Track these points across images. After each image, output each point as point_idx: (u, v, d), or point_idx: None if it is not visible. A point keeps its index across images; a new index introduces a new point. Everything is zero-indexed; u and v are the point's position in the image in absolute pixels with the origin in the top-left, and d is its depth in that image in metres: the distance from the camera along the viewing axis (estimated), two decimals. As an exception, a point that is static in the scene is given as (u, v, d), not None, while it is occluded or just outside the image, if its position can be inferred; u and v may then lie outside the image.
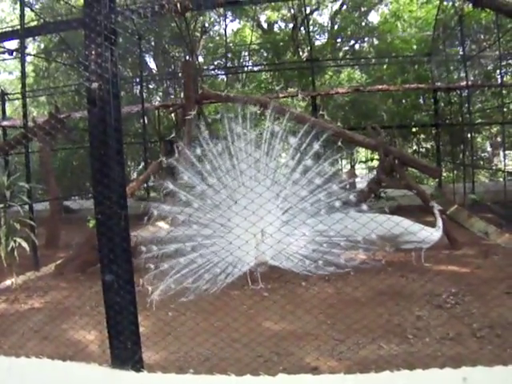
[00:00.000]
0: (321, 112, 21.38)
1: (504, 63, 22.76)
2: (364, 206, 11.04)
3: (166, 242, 10.35)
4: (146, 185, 21.02)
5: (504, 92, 22.73)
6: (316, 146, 11.05)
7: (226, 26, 30.46)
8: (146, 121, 24.62)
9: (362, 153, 27.33)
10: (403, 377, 4.16)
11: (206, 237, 10.47)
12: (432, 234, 11.24)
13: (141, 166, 25.77)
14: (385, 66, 28.30)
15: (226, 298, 9.15)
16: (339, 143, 11.19)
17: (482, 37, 24.26)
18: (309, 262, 10.44)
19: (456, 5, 20.90)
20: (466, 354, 6.54)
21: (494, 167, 27.30)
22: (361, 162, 25.37)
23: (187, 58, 24.82)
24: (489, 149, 29.41)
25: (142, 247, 10.09)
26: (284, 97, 24.21)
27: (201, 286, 9.58)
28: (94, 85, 4.59)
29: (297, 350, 6.93)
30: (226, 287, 9.90)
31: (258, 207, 8.64)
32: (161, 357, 6.56)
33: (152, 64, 29.72)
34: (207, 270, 9.98)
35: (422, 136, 28.36)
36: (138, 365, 4.78)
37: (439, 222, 11.51)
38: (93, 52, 4.64)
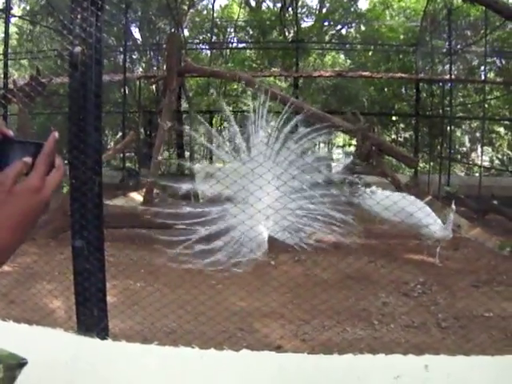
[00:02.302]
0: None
1: (489, 60, 22.91)
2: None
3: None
4: (122, 155, 20.98)
5: (487, 88, 22.90)
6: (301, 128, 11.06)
7: (214, 0, 30.34)
8: (126, 90, 24.46)
9: (341, 138, 27.41)
10: (365, 361, 4.19)
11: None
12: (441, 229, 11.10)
13: (118, 136, 25.61)
14: (370, 53, 28.34)
15: (194, 271, 9.15)
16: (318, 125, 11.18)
17: (469, 32, 24.34)
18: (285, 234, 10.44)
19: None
20: (430, 342, 6.64)
21: (470, 162, 27.51)
22: (338, 146, 25.48)
23: (173, 30, 24.67)
24: (467, 143, 29.59)
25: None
26: (267, 76, 24.20)
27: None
28: (77, 49, 4.55)
29: (261, 328, 6.98)
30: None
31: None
32: (126, 326, 6.57)
33: (137, 34, 29.54)
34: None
35: (402, 125, 28.55)
36: (103, 332, 4.77)
37: (449, 225, 11.06)
38: (78, 16, 4.59)
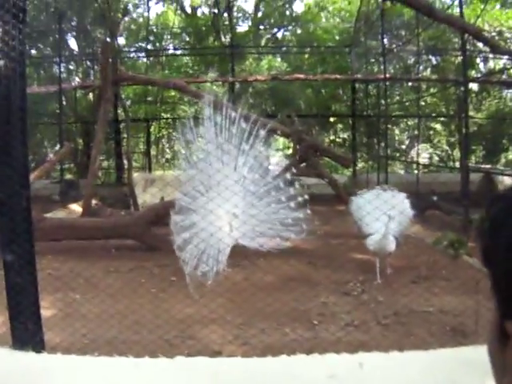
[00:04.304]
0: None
1: (423, 58, 23.26)
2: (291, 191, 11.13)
3: None
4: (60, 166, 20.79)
5: (422, 86, 23.26)
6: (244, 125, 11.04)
7: (149, 8, 30.15)
8: (63, 101, 24.24)
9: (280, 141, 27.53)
10: (300, 361, 4.23)
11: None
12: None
13: (57, 148, 25.36)
14: (306, 56, 28.54)
15: (134, 283, 9.14)
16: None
17: (403, 32, 24.68)
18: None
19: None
20: (370, 340, 6.70)
21: (408, 159, 27.86)
22: (277, 149, 25.57)
23: (108, 39, 24.52)
24: (405, 141, 29.96)
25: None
26: (203, 81, 24.23)
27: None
28: (0, 62, 4.52)
29: (202, 335, 6.97)
30: (136, 272, 9.94)
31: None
32: (63, 339, 6.50)
33: (73, 44, 29.25)
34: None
35: (340, 126, 28.77)
36: (38, 346, 4.73)
37: (387, 236, 9.86)
38: (-1, 30, 4.55)
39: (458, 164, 26.27)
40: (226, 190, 9.67)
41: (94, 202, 15.06)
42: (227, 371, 4.14)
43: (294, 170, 11.65)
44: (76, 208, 15.67)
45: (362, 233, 10.53)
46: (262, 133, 11.05)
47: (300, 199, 11.10)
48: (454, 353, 4.52)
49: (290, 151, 16.03)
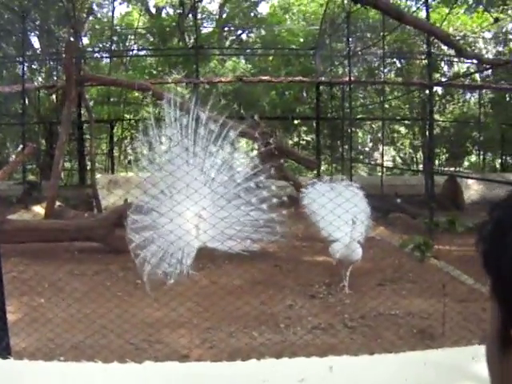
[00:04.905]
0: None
1: (388, 61, 23.41)
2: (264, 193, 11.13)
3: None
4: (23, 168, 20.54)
5: (387, 89, 23.38)
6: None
7: (113, 8, 30.01)
8: (26, 101, 23.96)
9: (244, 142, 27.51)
10: (269, 365, 4.20)
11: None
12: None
13: (19, 149, 25.08)
14: (270, 58, 28.57)
15: (100, 287, 9.05)
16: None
17: (368, 34, 24.83)
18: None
19: (345, 1, 21.23)
20: (337, 343, 6.70)
21: (372, 162, 28.04)
22: (242, 151, 25.54)
23: (71, 38, 24.29)
24: (370, 144, 30.15)
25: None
26: (167, 83, 24.12)
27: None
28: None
29: (169, 339, 6.92)
30: (102, 275, 9.87)
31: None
32: (29, 344, 6.42)
33: (37, 43, 28.94)
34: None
35: (304, 128, 28.84)
36: (4, 352, 4.66)
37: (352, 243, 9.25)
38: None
39: (421, 167, 26.51)
40: (193, 192, 9.61)
41: (57, 203, 14.88)
42: (196, 375, 4.10)
43: (264, 173, 11.54)
44: (39, 210, 15.52)
45: (317, 227, 10.25)
46: (231, 135, 11.04)
47: (275, 201, 11.11)
48: (422, 355, 4.51)
49: (255, 153, 16.04)
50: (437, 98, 25.02)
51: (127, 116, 27.68)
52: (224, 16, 30.55)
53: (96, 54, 29.67)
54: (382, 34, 19.43)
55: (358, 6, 16.09)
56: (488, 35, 24.80)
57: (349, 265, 9.28)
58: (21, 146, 23.86)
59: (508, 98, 26.51)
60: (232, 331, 7.16)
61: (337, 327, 7.45)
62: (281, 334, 7.18)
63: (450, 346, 5.69)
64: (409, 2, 24.60)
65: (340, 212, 8.90)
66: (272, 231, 10.85)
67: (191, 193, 9.58)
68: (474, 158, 28.74)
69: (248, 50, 30.20)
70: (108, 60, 29.01)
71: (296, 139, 28.88)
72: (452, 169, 27.00)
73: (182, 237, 9.45)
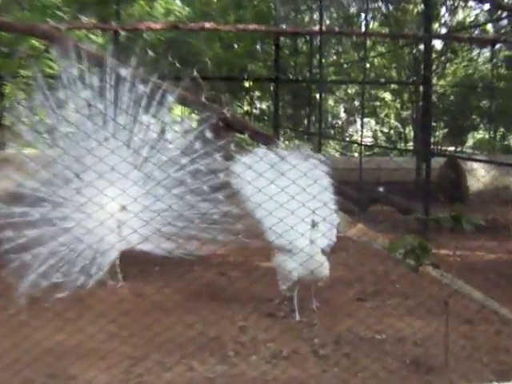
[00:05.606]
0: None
1: (371, 6, 23.33)
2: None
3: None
4: None
5: (368, 43, 23.18)
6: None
7: None
8: None
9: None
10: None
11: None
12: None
13: None
14: (215, -1, 28.45)
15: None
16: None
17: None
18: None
19: None
20: (305, 377, 6.62)
21: (347, 138, 28.08)
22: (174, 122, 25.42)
23: None
24: (342, 114, 30.22)
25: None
26: (78, 28, 23.85)
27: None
28: None
29: (80, 372, 6.77)
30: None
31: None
32: None
33: None
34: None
35: (257, 93, 28.77)
36: None
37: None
38: None
39: (411, 145, 26.61)
40: (110, 177, 9.41)
41: None
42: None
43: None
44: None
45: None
46: (170, 100, 10.94)
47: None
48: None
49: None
50: (434, 56, 24.98)
51: (23, 72, 27.38)
52: None
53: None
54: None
55: None
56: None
57: (311, 284, 8.90)
58: None
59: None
60: (166, 361, 7.05)
61: (303, 355, 7.35)
62: (230, 364, 7.08)
63: (457, 380, 5.68)
64: None
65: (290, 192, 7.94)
66: (230, 229, 10.63)
67: (107, 177, 9.40)
68: (481, 135, 28.85)
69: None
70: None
71: (247, 107, 28.83)
72: (452, 148, 27.12)
73: (91, 237, 9.34)
